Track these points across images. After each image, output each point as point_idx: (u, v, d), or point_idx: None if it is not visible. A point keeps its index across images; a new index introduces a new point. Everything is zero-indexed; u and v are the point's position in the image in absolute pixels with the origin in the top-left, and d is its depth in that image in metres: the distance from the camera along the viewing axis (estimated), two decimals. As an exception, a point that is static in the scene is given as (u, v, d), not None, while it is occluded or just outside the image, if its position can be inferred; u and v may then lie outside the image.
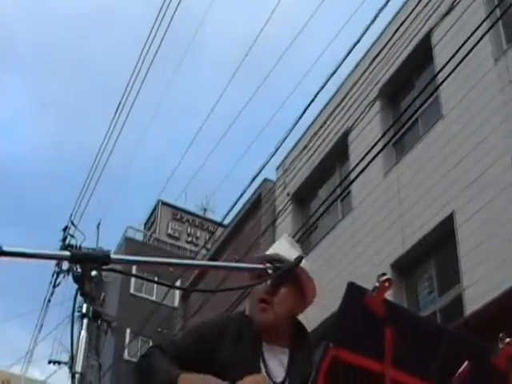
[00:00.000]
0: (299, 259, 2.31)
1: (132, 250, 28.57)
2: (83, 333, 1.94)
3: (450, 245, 10.69)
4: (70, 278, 22.05)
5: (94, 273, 1.94)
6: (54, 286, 21.49)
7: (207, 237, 28.77)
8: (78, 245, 21.51)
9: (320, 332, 10.27)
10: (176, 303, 23.93)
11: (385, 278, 1.78)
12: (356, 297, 1.78)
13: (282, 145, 12.23)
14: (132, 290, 28.14)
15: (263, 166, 12.26)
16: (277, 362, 2.66)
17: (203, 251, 22.92)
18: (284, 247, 2.80)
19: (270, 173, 17.37)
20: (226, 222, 18.58)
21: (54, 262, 21.82)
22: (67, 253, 1.98)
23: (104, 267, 1.99)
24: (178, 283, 23.42)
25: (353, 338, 1.79)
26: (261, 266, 2.41)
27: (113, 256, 2.00)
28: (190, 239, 31.48)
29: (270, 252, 2.78)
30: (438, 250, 11.33)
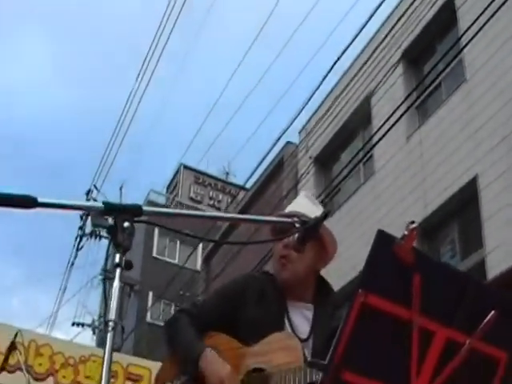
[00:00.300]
0: (325, 214, 2.32)
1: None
2: (116, 282, 1.98)
3: (473, 208, 10.66)
4: (93, 241, 22.32)
5: (126, 224, 1.98)
6: (78, 250, 21.79)
7: (229, 200, 28.89)
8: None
9: (344, 294, 10.32)
10: (198, 266, 24.09)
11: (413, 226, 1.81)
12: (385, 244, 1.81)
13: (305, 108, 12.20)
14: (155, 254, 28.34)
15: (286, 129, 12.26)
16: (301, 318, 2.70)
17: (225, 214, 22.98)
18: (304, 205, 2.81)
19: (293, 136, 17.35)
20: (247, 185, 18.61)
21: (78, 224, 22.11)
22: (100, 204, 2.02)
23: (136, 219, 2.03)
24: (199, 248, 23.60)
25: (381, 284, 1.82)
26: (289, 219, 2.42)
27: (144, 208, 2.05)
28: (212, 203, 31.54)
29: (290, 209, 2.79)
30: (460, 213, 11.31)
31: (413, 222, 1.82)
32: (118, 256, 1.99)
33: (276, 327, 2.62)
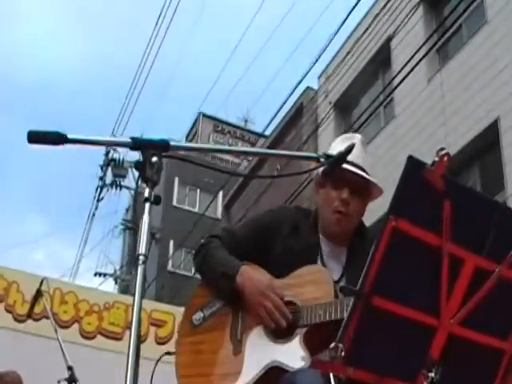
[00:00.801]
0: (350, 147, 2.28)
1: (174, 162, 28.65)
2: (145, 217, 2.00)
3: (494, 151, 10.61)
4: (113, 192, 22.43)
5: (154, 159, 2.00)
6: (98, 200, 21.93)
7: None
8: (121, 159, 21.85)
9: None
10: (219, 214, 24.18)
11: (444, 152, 1.81)
12: (415, 170, 1.81)
13: (324, 53, 12.08)
14: (175, 202, 28.42)
15: (305, 74, 12.16)
16: (334, 260, 2.68)
17: (245, 162, 22.99)
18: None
19: (312, 82, 17.22)
20: (267, 132, 18.56)
21: (98, 174, 22.19)
22: (128, 139, 2.04)
23: (163, 154, 2.04)
24: (220, 193, 23.65)
25: (412, 210, 1.83)
26: (314, 154, 2.39)
27: (172, 143, 2.06)
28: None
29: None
30: (481, 156, 11.25)
31: (443, 149, 1.82)
32: (147, 191, 2.00)
33: (308, 261, 2.61)
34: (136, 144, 2.03)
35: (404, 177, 1.81)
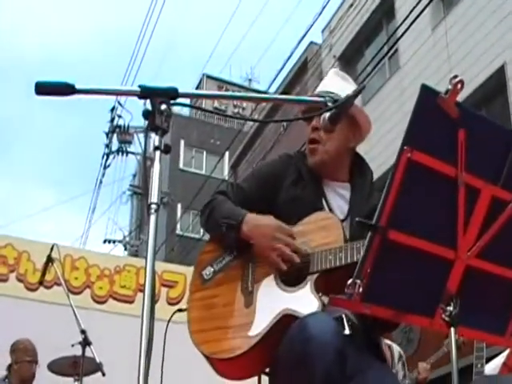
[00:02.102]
0: (359, 90, 2.24)
1: (179, 124, 28.64)
2: (156, 164, 1.97)
3: (502, 97, 10.52)
4: (119, 158, 22.42)
5: (163, 107, 1.97)
6: (105, 168, 21.90)
7: (253, 107, 28.68)
8: (126, 124, 21.78)
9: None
10: (225, 175, 24.17)
11: (457, 79, 1.77)
12: (429, 99, 1.77)
13: (327, 6, 11.95)
14: (181, 166, 28.40)
15: (309, 28, 12.04)
16: (338, 198, 2.65)
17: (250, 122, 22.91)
18: (335, 83, 2.71)
19: (316, 37, 17.08)
20: (272, 89, 18.40)
21: (104, 142, 22.15)
22: (136, 88, 2.01)
23: (172, 102, 2.01)
24: (226, 154, 23.61)
25: (426, 140, 1.79)
26: (321, 98, 2.33)
27: (181, 90, 2.03)
28: (236, 110, 31.35)
29: (320, 89, 2.69)
30: (489, 102, 11.17)
31: (456, 76, 1.78)
32: (157, 139, 1.97)
33: (314, 207, 2.58)
34: (144, 92, 1.99)
35: (418, 106, 1.77)
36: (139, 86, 2.01)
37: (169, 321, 4.21)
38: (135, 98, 2.04)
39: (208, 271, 2.66)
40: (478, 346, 5.09)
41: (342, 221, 2.54)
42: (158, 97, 1.97)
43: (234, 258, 2.63)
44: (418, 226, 1.86)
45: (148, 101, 1.99)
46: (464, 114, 1.82)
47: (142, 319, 1.78)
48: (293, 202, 2.61)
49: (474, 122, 1.86)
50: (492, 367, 4.61)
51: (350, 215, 2.60)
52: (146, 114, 1.97)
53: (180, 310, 3.91)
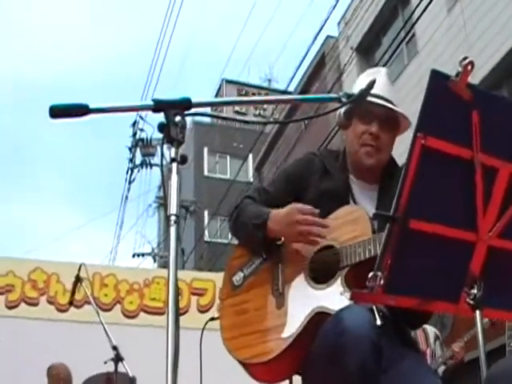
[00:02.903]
0: (372, 83, 2.19)
1: (202, 132, 28.70)
2: (174, 176, 1.97)
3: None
4: (144, 172, 22.50)
5: (177, 118, 1.97)
6: (130, 183, 22.02)
7: (274, 107, 28.64)
8: (149, 137, 21.89)
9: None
10: (250, 178, 24.12)
11: (467, 61, 1.73)
12: (440, 83, 1.74)
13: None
14: (206, 172, 28.46)
15: (324, 22, 12.02)
16: (366, 198, 2.62)
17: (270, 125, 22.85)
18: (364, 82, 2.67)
19: (332, 30, 17.05)
20: (291, 87, 18.39)
21: (127, 157, 22.24)
22: (150, 102, 2.01)
23: (186, 112, 2.01)
24: (250, 157, 23.60)
25: (440, 125, 1.75)
26: (335, 94, 2.31)
27: (194, 100, 2.03)
28: (257, 113, 31.30)
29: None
30: (508, 80, 11.05)
31: (465, 58, 1.74)
32: (173, 151, 1.97)
33: (340, 201, 2.56)
34: (158, 105, 2.00)
35: (429, 91, 1.74)
36: (152, 100, 2.02)
37: (203, 329, 4.21)
38: (153, 112, 2.04)
39: (238, 277, 2.66)
40: (510, 325, 5.03)
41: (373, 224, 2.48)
42: (172, 109, 1.98)
43: (263, 261, 2.62)
44: (437, 212, 1.83)
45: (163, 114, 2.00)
46: (477, 96, 1.79)
47: (168, 333, 1.78)
48: (320, 197, 2.59)
49: (487, 103, 1.83)
50: None
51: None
52: (161, 127, 1.98)
53: (212, 319, 3.89)
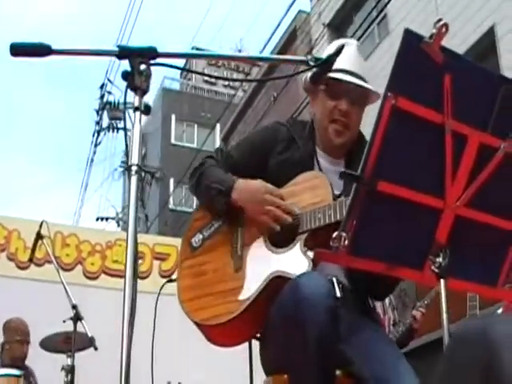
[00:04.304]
0: (340, 48, 2.14)
1: (170, 99, 28.49)
2: (137, 126, 1.92)
3: (492, 59, 10.45)
4: (110, 135, 22.30)
5: (143, 67, 1.92)
6: (96, 145, 21.79)
7: (244, 77, 28.42)
8: (116, 101, 21.66)
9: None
10: (217, 147, 23.99)
11: (442, 23, 1.71)
12: (413, 43, 1.72)
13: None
14: (173, 140, 28.28)
15: (296, -5, 11.90)
16: (331, 172, 2.54)
17: (240, 93, 22.78)
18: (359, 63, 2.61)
19: (305, 5, 16.98)
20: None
21: (94, 119, 22.02)
22: (115, 48, 1.96)
23: (152, 62, 1.96)
24: (217, 127, 23.50)
25: (411, 86, 1.74)
26: (303, 58, 2.26)
27: (160, 50, 1.97)
28: (226, 83, 31.14)
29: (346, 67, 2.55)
30: (481, 64, 11.09)
31: (440, 20, 1.72)
32: (136, 99, 1.92)
33: (304, 169, 2.53)
34: (123, 52, 1.94)
35: (401, 51, 1.72)
36: (118, 46, 1.96)
37: (159, 291, 4.15)
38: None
39: (197, 238, 2.63)
40: (470, 296, 5.05)
41: (338, 196, 2.44)
42: (137, 57, 1.92)
43: (222, 224, 2.59)
44: (405, 176, 1.82)
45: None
46: (449, 59, 1.78)
47: (125, 284, 1.74)
48: (283, 165, 2.56)
49: (460, 67, 1.81)
50: None
51: (343, 193, 2.49)
52: (125, 75, 1.92)
53: (170, 281, 3.84)
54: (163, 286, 4.04)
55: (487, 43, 10.52)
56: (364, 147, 2.55)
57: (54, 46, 1.92)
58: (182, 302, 2.55)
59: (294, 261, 2.34)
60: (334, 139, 2.56)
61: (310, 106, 2.73)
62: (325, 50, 2.63)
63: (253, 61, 14.68)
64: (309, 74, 2.34)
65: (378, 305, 5.20)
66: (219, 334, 2.48)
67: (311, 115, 2.74)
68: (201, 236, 2.62)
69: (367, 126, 2.66)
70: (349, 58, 2.55)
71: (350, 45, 2.61)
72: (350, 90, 2.53)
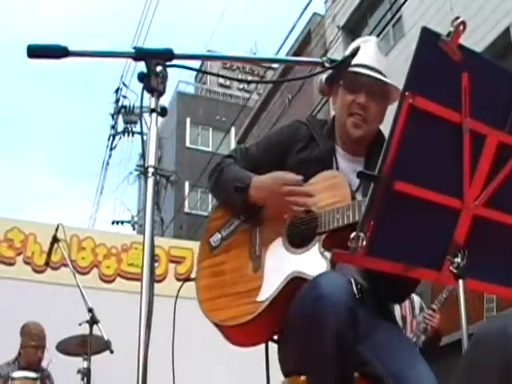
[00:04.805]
0: (356, 50, 2.14)
1: (185, 103, 28.54)
2: (153, 127, 1.92)
3: (507, 60, 10.39)
4: (125, 139, 22.38)
5: (159, 69, 1.92)
6: (111, 149, 21.86)
7: (259, 79, 28.41)
8: (132, 105, 21.75)
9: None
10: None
11: (459, 21, 1.69)
12: (430, 41, 1.70)
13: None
14: (188, 143, 28.33)
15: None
16: (350, 169, 2.55)
17: (254, 96, 22.79)
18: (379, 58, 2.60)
19: (319, 8, 16.99)
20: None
21: (110, 123, 22.08)
22: (131, 49, 1.97)
23: (168, 63, 1.96)
24: (232, 130, 23.52)
25: (429, 85, 1.72)
26: (318, 59, 2.25)
27: (176, 52, 1.98)
28: (241, 86, 31.15)
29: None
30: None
31: (458, 18, 1.71)
32: (153, 101, 1.92)
33: (322, 169, 2.51)
34: (139, 54, 1.95)
35: (418, 49, 1.70)
36: (134, 48, 1.97)
37: (177, 293, 4.12)
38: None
39: (216, 238, 2.63)
40: (488, 297, 5.01)
41: (353, 193, 2.45)
42: (153, 59, 1.93)
43: (241, 223, 2.59)
44: (422, 176, 1.80)
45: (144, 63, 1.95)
46: (467, 57, 1.76)
47: (142, 286, 1.74)
48: (302, 164, 2.55)
49: (478, 65, 1.79)
50: None
51: (360, 187, 2.51)
52: (142, 77, 1.93)
53: (188, 280, 3.83)
54: (182, 285, 4.03)
55: (503, 43, 10.47)
56: (382, 145, 2.60)
57: (71, 48, 1.94)
58: (200, 302, 2.55)
59: (313, 261, 2.33)
60: (351, 132, 2.55)
61: (330, 107, 2.72)
62: (346, 52, 2.63)
63: (268, 63, 14.69)
64: (324, 75, 2.33)
65: (408, 307, 5.18)
66: (237, 334, 2.48)
67: (334, 113, 2.74)
68: (219, 236, 2.62)
69: (384, 126, 2.66)
70: (368, 54, 2.55)
71: (370, 41, 2.64)
72: (368, 83, 2.53)
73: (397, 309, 5.10)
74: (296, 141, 2.62)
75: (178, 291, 4.01)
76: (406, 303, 5.20)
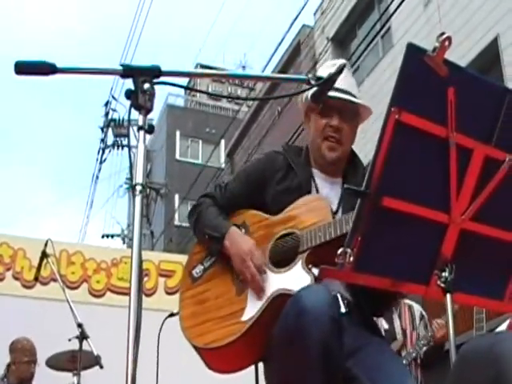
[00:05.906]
0: (342, 67, 2.15)
1: (174, 116, 28.53)
2: (140, 145, 1.92)
3: (496, 70, 10.44)
4: (115, 152, 22.34)
5: (146, 86, 1.91)
6: (101, 162, 21.81)
7: (248, 93, 28.49)
8: (121, 118, 21.73)
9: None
10: (222, 163, 24.02)
11: (445, 36, 1.70)
12: (416, 57, 1.71)
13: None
14: (178, 156, 28.29)
15: (300, 11, 11.95)
16: (329, 191, 2.60)
17: (244, 108, 22.81)
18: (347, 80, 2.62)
19: (308, 20, 17.05)
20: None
21: (99, 137, 22.04)
22: (119, 67, 1.95)
23: (155, 80, 1.96)
24: (222, 142, 23.51)
25: (415, 99, 1.73)
26: (304, 76, 2.27)
27: (164, 69, 1.98)
28: (230, 101, 31.19)
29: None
30: (483, 76, 11.10)
31: (443, 34, 1.72)
32: (140, 118, 1.92)
33: (303, 195, 2.54)
34: (127, 71, 1.94)
35: (404, 65, 1.71)
36: (121, 65, 1.96)
37: (162, 325, 4.10)
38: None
39: (198, 269, 2.66)
40: (477, 310, 5.01)
41: (334, 213, 2.47)
42: (141, 76, 1.92)
43: (218, 259, 2.61)
44: (409, 191, 1.80)
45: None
46: (453, 72, 1.76)
47: (130, 302, 1.73)
48: (283, 194, 2.58)
49: (463, 80, 1.80)
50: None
51: (340, 208, 2.54)
52: (129, 94, 1.92)
53: (172, 315, 3.79)
54: (165, 320, 4.00)
55: (491, 54, 10.52)
56: (357, 167, 2.66)
57: (59, 65, 1.93)
58: (184, 330, 2.55)
59: (296, 278, 2.33)
60: (327, 155, 2.59)
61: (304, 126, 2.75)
62: (318, 70, 2.66)
63: (254, 80, 14.75)
64: (309, 92, 2.34)
65: (408, 318, 5.15)
66: (220, 358, 2.46)
67: (307, 141, 2.76)
68: (202, 267, 2.65)
69: (370, 142, 2.67)
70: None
71: (337, 64, 2.64)
72: (340, 105, 2.56)
73: (396, 321, 5.10)
74: (274, 171, 2.64)
75: (161, 326, 3.98)
76: (406, 315, 5.19)
